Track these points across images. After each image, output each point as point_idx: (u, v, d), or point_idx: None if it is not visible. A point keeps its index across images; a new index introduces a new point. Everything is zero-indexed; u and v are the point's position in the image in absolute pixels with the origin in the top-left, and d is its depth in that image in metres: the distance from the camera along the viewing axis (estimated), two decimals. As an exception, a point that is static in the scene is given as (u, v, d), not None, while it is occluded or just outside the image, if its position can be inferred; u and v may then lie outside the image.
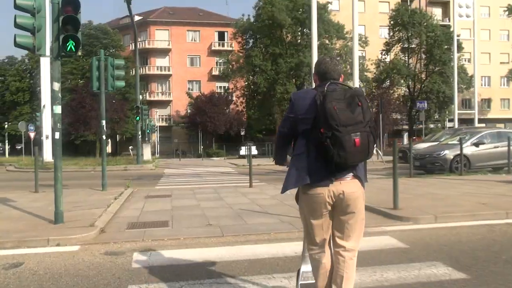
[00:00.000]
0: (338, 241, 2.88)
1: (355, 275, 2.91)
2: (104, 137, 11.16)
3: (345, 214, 2.83)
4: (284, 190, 2.92)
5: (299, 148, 2.83)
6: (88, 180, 15.63)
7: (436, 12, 56.87)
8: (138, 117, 21.59)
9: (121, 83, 11.06)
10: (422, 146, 17.69)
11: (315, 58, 25.14)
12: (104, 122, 11.02)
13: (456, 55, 32.08)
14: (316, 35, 25.19)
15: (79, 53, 6.39)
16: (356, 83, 25.58)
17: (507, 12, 51.33)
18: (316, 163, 2.73)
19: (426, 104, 29.25)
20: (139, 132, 21.94)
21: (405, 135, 27.82)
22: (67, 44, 6.07)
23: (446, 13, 59.77)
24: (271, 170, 19.02)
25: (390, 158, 20.77)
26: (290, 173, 2.87)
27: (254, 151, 38.53)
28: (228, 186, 11.93)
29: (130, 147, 34.64)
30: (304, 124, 2.78)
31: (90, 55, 51.05)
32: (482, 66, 51.61)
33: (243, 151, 39.06)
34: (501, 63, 60.26)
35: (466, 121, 56.99)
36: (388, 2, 56.66)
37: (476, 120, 33.86)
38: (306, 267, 3.15)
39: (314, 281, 2.98)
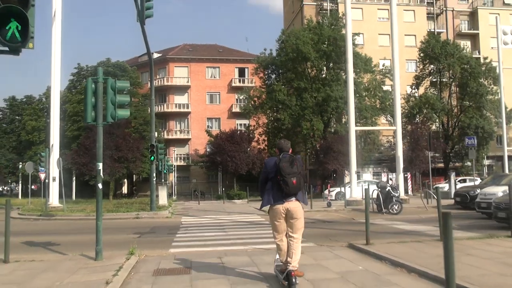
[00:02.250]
0: (290, 233, 5.85)
1: (300, 251, 5.90)
2: (100, 185, 8.47)
3: (292, 219, 5.79)
4: (261, 207, 6.13)
5: (268, 186, 5.80)
6: (88, 234, 12.87)
7: (465, 45, 54.25)
8: (153, 157, 19.02)
9: (125, 112, 8.51)
10: (492, 190, 14.58)
11: (351, 93, 22.71)
12: (101, 165, 8.41)
13: (502, 82, 29.22)
14: (352, 69, 22.88)
15: (31, 46, 3.76)
16: (398, 119, 22.87)
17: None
18: (277, 192, 5.69)
19: (475, 140, 26.13)
20: (154, 174, 19.30)
21: (452, 175, 24.54)
22: (7, 28, 3.48)
23: (475, 46, 57.22)
24: (308, 219, 15.98)
25: (445, 201, 17.52)
26: (264, 198, 5.88)
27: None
28: (265, 248, 9.02)
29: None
30: (271, 174, 5.74)
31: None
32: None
33: (266, 192, 36.10)
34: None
35: (502, 158, 53.42)
36: (415, 36, 54.35)
37: (505, 157, 30.52)
38: (277, 255, 6.17)
39: (279, 258, 6.09)
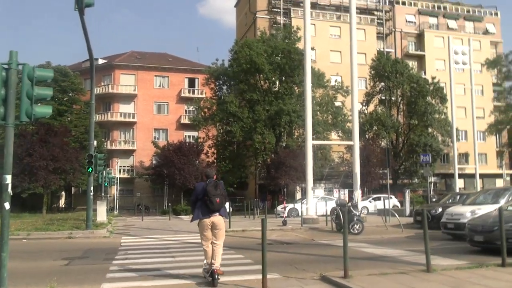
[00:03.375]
0: (214, 241, 7.48)
1: (221, 254, 7.59)
2: (7, 205, 6.54)
3: (216, 229, 7.46)
4: (192, 220, 7.79)
5: (198, 204, 7.45)
6: (11, 260, 10.68)
7: (413, 65, 55.58)
8: (90, 168, 16.81)
9: (45, 110, 6.59)
10: (458, 210, 13.82)
11: (309, 106, 21.68)
12: (9, 178, 6.50)
13: (454, 103, 29.54)
14: (310, 80, 21.93)
15: None
16: (356, 133, 22.09)
17: (485, 66, 50.70)
18: (204, 209, 7.32)
19: (430, 157, 25.91)
20: (91, 187, 17.06)
21: (407, 192, 24.05)
22: None
23: (421, 66, 58.89)
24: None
25: (408, 220, 16.70)
26: (195, 214, 7.57)
27: (227, 207, 33.93)
28: (222, 283, 7.44)
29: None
30: (200, 195, 7.38)
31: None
32: (459, 121, 49.90)
33: (215, 208, 34.34)
34: (477, 117, 59.15)
35: (445, 176, 54.91)
36: (365, 54, 54.96)
37: (456, 175, 30.83)
38: (205, 260, 7.73)
39: (206, 261, 7.64)
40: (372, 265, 8.85)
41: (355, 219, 15.78)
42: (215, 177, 7.81)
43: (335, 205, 17.30)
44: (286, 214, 28.35)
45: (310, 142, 20.87)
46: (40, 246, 13.96)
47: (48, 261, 10.49)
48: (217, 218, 7.46)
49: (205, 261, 7.74)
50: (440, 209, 16.75)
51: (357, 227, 15.74)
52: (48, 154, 31.15)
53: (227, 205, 28.54)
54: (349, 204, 16.95)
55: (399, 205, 31.48)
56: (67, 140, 34.58)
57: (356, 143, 21.82)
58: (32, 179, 31.04)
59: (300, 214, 26.63)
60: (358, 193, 21.31)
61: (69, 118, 43.76)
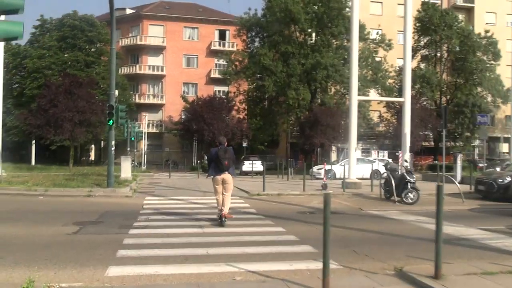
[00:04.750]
0: (224, 192, 9.48)
1: (229, 203, 9.62)
2: None
3: (225, 184, 9.46)
4: (208, 177, 9.88)
5: (212, 165, 9.51)
6: (18, 223, 9.27)
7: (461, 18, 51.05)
8: (111, 121, 15.14)
9: (9, 27, 4.74)
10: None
11: (355, 57, 19.15)
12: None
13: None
14: (357, 27, 19.32)
15: None
16: (408, 89, 19.55)
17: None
18: (216, 168, 9.38)
19: (488, 119, 23.19)
20: (112, 142, 15.44)
21: (459, 156, 21.56)
22: None
23: (470, 20, 54.16)
24: (305, 207, 12.68)
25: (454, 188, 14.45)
26: (210, 172, 9.61)
27: (259, 166, 32.22)
28: (262, 272, 5.63)
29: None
30: (213, 158, 9.41)
31: (73, 49, 44.79)
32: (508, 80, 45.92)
33: (246, 166, 32.71)
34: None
35: (489, 140, 51.35)
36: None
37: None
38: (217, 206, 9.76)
39: (218, 207, 9.62)
40: (456, 254, 6.85)
41: (409, 186, 13.67)
42: (226, 143, 9.91)
43: (385, 169, 15.17)
44: (319, 175, 26.60)
45: (355, 98, 18.54)
46: (55, 205, 12.55)
47: (56, 227, 8.95)
48: (226, 176, 9.53)
49: (218, 207, 9.71)
50: (509, 178, 14.45)
51: (412, 195, 13.65)
52: (74, 106, 29.86)
53: (260, 166, 26.58)
54: (403, 169, 14.81)
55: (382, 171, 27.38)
56: (93, 92, 33.12)
57: (408, 100, 19.34)
58: (57, 131, 29.95)
59: (337, 177, 24.78)
60: (406, 156, 19.05)
61: (96, 70, 42.27)
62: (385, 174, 14.81)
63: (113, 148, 15.55)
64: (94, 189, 15.28)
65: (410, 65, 19.93)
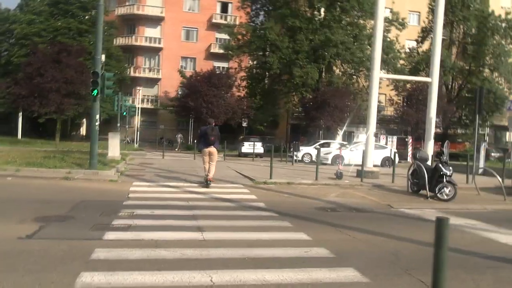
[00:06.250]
0: (210, 162, 12.11)
1: (214, 169, 12.28)
2: None
3: (211, 155, 12.12)
4: (199, 149, 13.28)
5: (201, 140, 12.28)
6: None
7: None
8: (96, 91, 12.79)
9: None
10: None
11: (380, 29, 16.83)
12: None
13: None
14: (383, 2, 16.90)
15: None
16: (436, 68, 17.32)
17: None
18: (204, 143, 12.08)
19: (518, 106, 21.03)
20: (96, 116, 13.11)
21: (483, 145, 19.47)
22: None
23: (484, 3, 51.39)
24: (322, 201, 10.57)
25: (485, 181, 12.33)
26: (200, 145, 12.78)
27: (260, 148, 30.10)
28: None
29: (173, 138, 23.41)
30: (203, 134, 12.17)
31: (65, 16, 41.91)
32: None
33: (246, 148, 30.55)
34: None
35: (497, 128, 49.21)
36: (421, -16, 48.14)
37: None
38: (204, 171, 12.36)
39: (204, 173, 12.27)
40: None
41: (445, 180, 11.57)
42: (214, 123, 12.54)
43: (414, 159, 13.03)
44: (325, 160, 24.53)
45: (377, 75, 16.28)
46: (22, 190, 10.40)
47: (9, 224, 6.81)
48: (212, 149, 12.09)
49: (204, 173, 12.24)
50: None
51: (447, 191, 11.56)
52: (61, 75, 27.41)
53: (261, 148, 24.65)
54: (436, 159, 12.68)
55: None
56: (82, 61, 30.60)
57: (435, 80, 17.16)
58: (43, 103, 27.57)
59: (346, 163, 22.66)
60: (429, 144, 16.94)
61: (89, 39, 39.57)
62: (414, 165, 12.67)
63: (97, 123, 13.31)
64: (73, 170, 13.08)
65: (440, 40, 17.61)
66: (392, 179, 14.86)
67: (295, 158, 24.04)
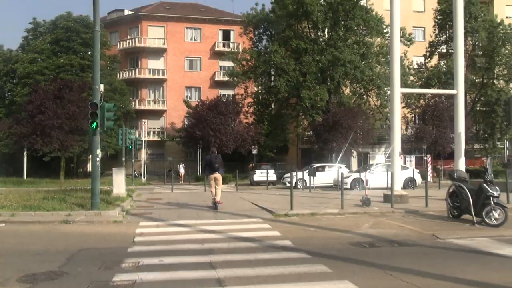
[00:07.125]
0: (216, 186, 13.87)
1: (220, 192, 14.04)
2: None
3: (216, 180, 13.93)
4: (206, 176, 16.01)
5: (207, 168, 14.44)
6: None
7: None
8: (95, 124, 11.65)
9: None
10: None
11: (397, 43, 15.64)
12: None
13: None
14: (398, 12, 15.77)
15: None
16: (461, 79, 16.07)
17: None
18: (210, 170, 14.13)
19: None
20: (97, 151, 11.90)
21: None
22: None
23: (488, 13, 50.70)
24: (355, 235, 9.19)
25: None
26: (206, 172, 15.12)
27: (272, 176, 28.72)
28: None
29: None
30: (208, 162, 14.25)
31: (68, 52, 41.46)
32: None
33: (258, 176, 29.18)
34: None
35: (513, 141, 47.58)
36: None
37: None
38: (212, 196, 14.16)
39: (212, 197, 14.09)
40: None
41: (492, 202, 10.17)
42: (216, 152, 14.67)
43: (451, 180, 11.65)
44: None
45: (398, 90, 14.98)
46: (12, 239, 9.14)
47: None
48: (217, 174, 13.92)
49: (212, 197, 13.98)
50: None
51: (496, 215, 10.16)
52: (63, 112, 26.51)
53: (273, 175, 23.35)
54: (481, 180, 11.28)
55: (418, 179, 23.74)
56: (85, 96, 29.80)
57: (461, 91, 15.84)
58: (45, 141, 26.59)
59: (367, 186, 21.17)
60: (461, 161, 15.54)
61: (92, 75, 38.99)
62: (453, 187, 11.28)
63: (98, 159, 12.09)
64: (74, 212, 11.82)
65: (462, 51, 16.36)
66: (425, 203, 13.43)
67: (287, 183, 22.56)
